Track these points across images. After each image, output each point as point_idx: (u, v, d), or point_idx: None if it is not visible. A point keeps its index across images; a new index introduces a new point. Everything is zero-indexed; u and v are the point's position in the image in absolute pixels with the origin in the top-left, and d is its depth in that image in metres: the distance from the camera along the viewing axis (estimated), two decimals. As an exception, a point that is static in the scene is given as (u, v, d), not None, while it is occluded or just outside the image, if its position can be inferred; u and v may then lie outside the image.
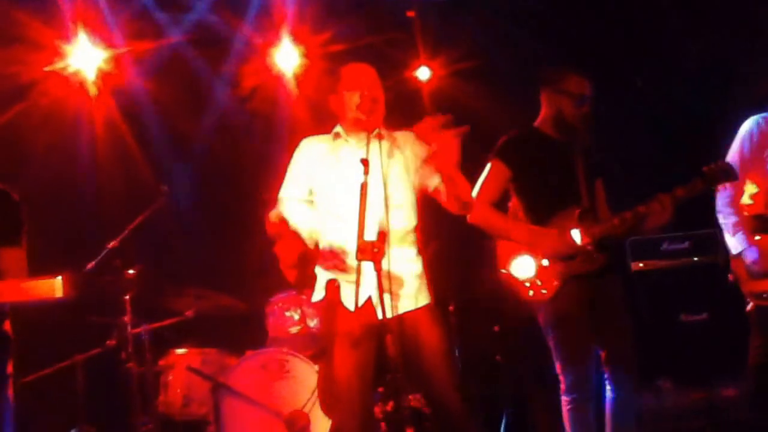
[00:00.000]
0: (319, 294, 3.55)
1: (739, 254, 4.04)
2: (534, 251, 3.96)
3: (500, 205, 4.11)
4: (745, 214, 4.08)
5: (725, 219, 4.11)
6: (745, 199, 4.12)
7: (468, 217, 3.94)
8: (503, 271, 4.05)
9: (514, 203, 4.12)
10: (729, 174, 3.92)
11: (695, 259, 5.44)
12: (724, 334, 5.22)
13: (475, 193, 3.91)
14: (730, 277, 4.15)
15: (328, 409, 3.72)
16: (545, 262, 3.94)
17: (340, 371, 3.38)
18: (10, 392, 3.56)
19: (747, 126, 4.14)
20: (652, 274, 5.40)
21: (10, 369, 3.57)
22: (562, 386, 3.95)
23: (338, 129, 3.62)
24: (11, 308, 3.60)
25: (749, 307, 4.09)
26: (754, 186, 4.09)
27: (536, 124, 4.10)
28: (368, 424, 3.50)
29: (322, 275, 3.56)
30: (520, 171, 4.00)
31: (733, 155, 4.11)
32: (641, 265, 5.42)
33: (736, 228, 4.05)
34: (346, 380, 3.37)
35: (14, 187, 3.71)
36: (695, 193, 3.89)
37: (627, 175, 5.07)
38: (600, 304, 3.93)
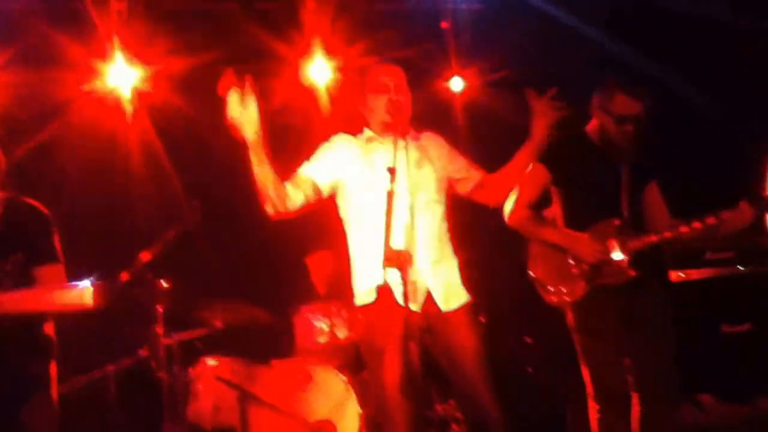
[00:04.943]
0: (365, 297, 3.51)
1: None
2: (565, 256, 3.92)
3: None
4: None
5: None
6: None
7: (506, 218, 4.01)
8: (530, 273, 4.02)
9: (553, 210, 4.09)
10: None
11: (740, 268, 5.28)
12: (768, 346, 5.08)
13: (514, 193, 3.95)
14: None
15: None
16: (573, 269, 3.89)
17: (390, 376, 3.34)
18: (54, 394, 3.53)
19: None
20: (693, 285, 5.26)
21: (53, 372, 3.54)
22: (589, 392, 3.89)
23: (370, 133, 3.64)
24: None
25: None
26: None
27: (587, 128, 4.06)
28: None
29: (362, 279, 3.53)
30: (560, 176, 3.98)
31: None
32: (682, 275, 5.27)
33: None
34: (397, 385, 3.33)
35: (41, 200, 3.75)
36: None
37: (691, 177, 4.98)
38: (631, 317, 3.85)
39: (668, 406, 3.89)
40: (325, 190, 3.61)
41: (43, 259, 3.52)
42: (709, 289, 5.25)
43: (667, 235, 3.82)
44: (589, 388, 3.89)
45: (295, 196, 3.53)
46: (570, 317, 3.95)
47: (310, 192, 3.57)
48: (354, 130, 3.73)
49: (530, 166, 3.93)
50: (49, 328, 3.60)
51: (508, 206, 4.02)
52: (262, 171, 3.41)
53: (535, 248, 4.09)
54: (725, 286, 5.25)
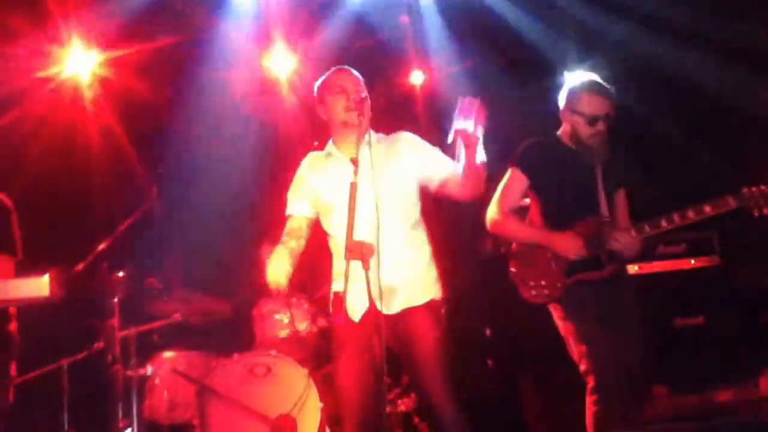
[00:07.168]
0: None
1: None
2: (545, 253, 3.94)
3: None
4: None
5: None
6: None
7: (488, 225, 4.00)
8: (512, 269, 4.05)
9: (531, 213, 4.11)
10: None
11: (691, 261, 5.39)
12: (720, 338, 5.18)
13: (496, 199, 3.99)
14: None
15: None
16: (553, 264, 3.92)
17: (342, 381, 3.43)
18: (11, 395, 3.54)
19: None
20: (646, 278, 5.34)
21: (13, 371, 3.53)
22: (589, 385, 3.81)
23: (330, 148, 3.67)
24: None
25: None
26: None
27: (558, 133, 4.09)
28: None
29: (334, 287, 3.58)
30: (538, 179, 3.99)
31: None
32: (636, 268, 5.35)
33: None
34: (347, 390, 3.40)
35: (5, 193, 3.72)
36: (725, 211, 3.79)
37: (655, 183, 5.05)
38: (607, 312, 3.86)
39: (634, 399, 3.94)
40: (315, 215, 3.71)
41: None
42: (661, 283, 5.33)
43: (648, 230, 3.87)
44: (589, 382, 3.81)
45: (299, 245, 3.65)
46: (559, 315, 3.95)
47: (307, 229, 3.69)
48: (317, 128, 3.77)
49: (509, 171, 3.98)
50: (11, 327, 3.59)
51: (491, 212, 4.02)
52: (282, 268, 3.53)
53: (517, 245, 4.11)
54: (678, 280, 5.35)
